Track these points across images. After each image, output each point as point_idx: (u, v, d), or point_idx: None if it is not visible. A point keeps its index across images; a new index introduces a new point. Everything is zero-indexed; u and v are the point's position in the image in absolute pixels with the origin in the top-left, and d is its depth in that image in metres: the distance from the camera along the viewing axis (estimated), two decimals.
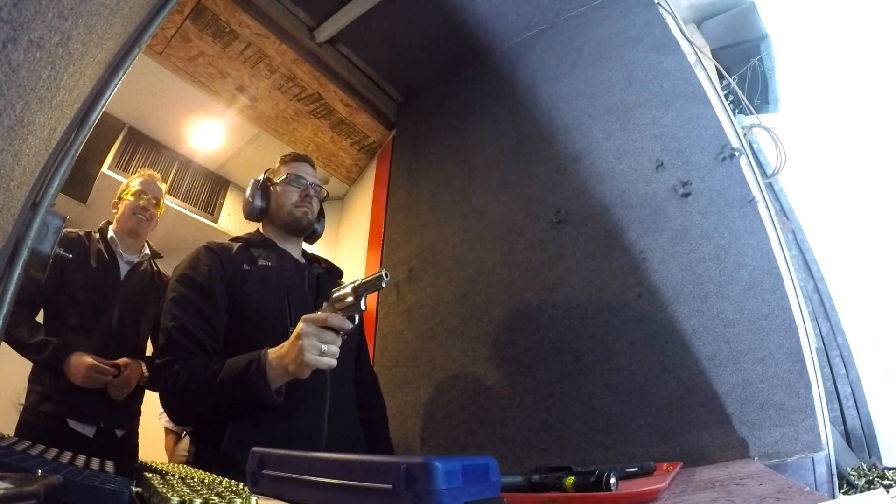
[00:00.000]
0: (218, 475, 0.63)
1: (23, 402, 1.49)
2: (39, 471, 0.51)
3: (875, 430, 2.22)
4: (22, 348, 1.44)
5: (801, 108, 3.04)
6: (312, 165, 1.34)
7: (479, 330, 1.72)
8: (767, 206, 1.35)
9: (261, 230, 1.28)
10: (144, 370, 1.57)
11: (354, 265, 2.47)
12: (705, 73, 1.56)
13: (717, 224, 1.35)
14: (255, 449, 0.59)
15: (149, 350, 1.68)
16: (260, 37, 2.07)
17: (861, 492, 1.53)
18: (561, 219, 1.64)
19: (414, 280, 2.01)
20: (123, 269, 1.64)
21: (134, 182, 1.74)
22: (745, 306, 1.24)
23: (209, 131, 2.74)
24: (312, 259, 1.33)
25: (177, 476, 0.59)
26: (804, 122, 3.11)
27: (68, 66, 0.63)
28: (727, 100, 1.65)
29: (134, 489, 0.55)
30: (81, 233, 1.63)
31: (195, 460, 1.02)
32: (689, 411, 1.23)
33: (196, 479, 0.57)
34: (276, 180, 1.26)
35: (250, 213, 1.27)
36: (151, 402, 1.55)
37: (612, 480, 0.69)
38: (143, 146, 2.72)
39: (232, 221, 3.06)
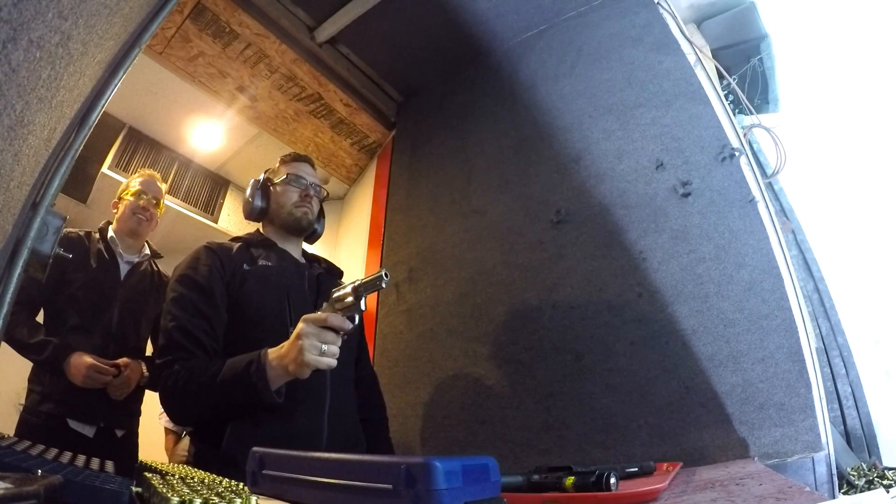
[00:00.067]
0: (218, 475, 0.63)
1: (23, 402, 1.49)
2: (39, 471, 0.51)
3: (875, 430, 2.22)
4: (22, 348, 1.45)
5: (801, 108, 3.04)
6: (312, 165, 1.34)
7: (479, 330, 1.72)
8: (767, 206, 1.35)
9: (261, 230, 1.28)
10: (144, 370, 1.57)
11: (354, 265, 2.47)
12: (705, 73, 1.56)
13: (717, 224, 1.35)
14: (255, 449, 0.59)
15: (149, 350, 1.68)
16: (260, 37, 2.07)
17: (861, 492, 1.52)
18: (561, 219, 1.64)
19: (414, 280, 2.01)
20: (123, 269, 1.64)
21: (134, 182, 1.74)
22: (745, 306, 1.24)
23: (209, 131, 2.74)
24: (312, 259, 1.33)
25: (177, 476, 0.59)
26: (804, 122, 3.11)
27: (68, 66, 0.63)
28: (727, 100, 1.65)
29: (134, 489, 0.55)
30: (81, 233, 1.63)
31: (195, 460, 1.02)
32: (689, 411, 1.23)
33: (196, 479, 0.57)
34: (276, 180, 1.26)
35: (250, 213, 1.27)
36: (151, 402, 1.55)
37: (612, 480, 0.69)
38: (143, 146, 2.72)
39: (232, 221, 3.06)
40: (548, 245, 1.64)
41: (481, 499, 0.44)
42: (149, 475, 0.58)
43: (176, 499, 0.42)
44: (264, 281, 1.12)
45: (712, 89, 1.53)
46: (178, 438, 2.44)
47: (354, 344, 1.27)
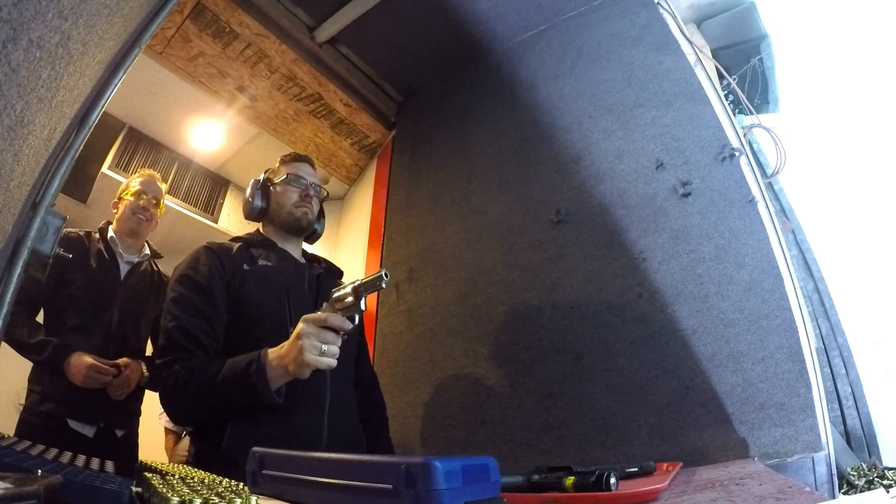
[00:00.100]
0: (218, 475, 0.63)
1: (23, 402, 1.49)
2: (39, 471, 0.51)
3: (875, 430, 2.22)
4: (22, 348, 1.45)
5: (801, 108, 3.04)
6: (312, 165, 1.34)
7: (479, 330, 1.72)
8: (767, 206, 1.35)
9: (261, 230, 1.28)
10: (144, 370, 1.57)
11: (354, 265, 2.47)
12: (705, 73, 1.56)
13: (717, 224, 1.35)
14: (255, 449, 0.59)
15: (149, 350, 1.68)
16: (260, 37, 2.07)
17: (861, 492, 1.52)
18: (561, 219, 1.64)
19: (414, 280, 2.01)
20: (123, 269, 1.64)
21: (134, 182, 1.74)
22: (745, 306, 1.24)
23: (209, 131, 2.74)
24: (312, 259, 1.33)
25: (177, 476, 0.59)
26: (804, 122, 3.11)
27: (68, 66, 0.63)
28: (727, 100, 1.65)
29: (134, 489, 0.55)
30: (81, 233, 1.63)
31: (195, 460, 1.02)
32: (689, 411, 1.23)
33: (196, 479, 0.57)
34: (276, 180, 1.26)
35: (250, 213, 1.27)
36: (151, 402, 1.55)
37: (612, 480, 0.69)
38: (143, 146, 2.72)
39: (232, 221, 3.06)
40: (548, 245, 1.64)
41: (481, 499, 0.44)
42: (149, 475, 0.58)
43: (176, 499, 0.42)
44: (264, 281, 1.12)
45: (712, 89, 1.53)
46: (178, 438, 2.44)
47: (354, 344, 1.27)
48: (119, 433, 1.55)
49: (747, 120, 2.15)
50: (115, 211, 1.72)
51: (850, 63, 3.51)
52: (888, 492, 0.91)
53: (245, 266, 1.13)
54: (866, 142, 3.18)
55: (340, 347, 0.91)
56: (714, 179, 1.39)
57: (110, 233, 1.66)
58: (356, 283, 0.91)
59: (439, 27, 2.06)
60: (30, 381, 1.51)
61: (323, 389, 1.07)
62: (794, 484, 0.72)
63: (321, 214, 1.34)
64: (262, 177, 1.30)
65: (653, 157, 1.51)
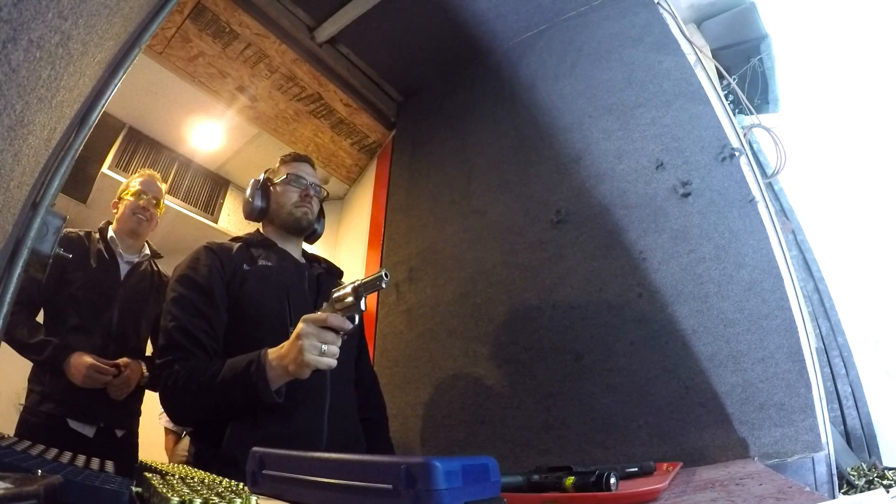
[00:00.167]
0: (218, 475, 0.63)
1: (23, 402, 1.49)
2: (39, 471, 0.51)
3: (875, 430, 2.22)
4: (22, 348, 1.44)
5: (801, 108, 3.04)
6: (312, 165, 1.34)
7: (479, 330, 1.72)
8: (767, 206, 1.35)
9: (261, 230, 1.28)
10: (144, 370, 1.57)
11: (354, 265, 2.47)
12: (705, 73, 1.56)
13: (717, 224, 1.35)
14: (255, 449, 0.59)
15: (149, 350, 1.68)
16: (260, 37, 2.07)
17: (861, 492, 1.52)
18: (561, 219, 1.64)
19: (414, 280, 2.01)
20: (123, 269, 1.64)
21: (134, 182, 1.74)
22: (745, 306, 1.24)
23: (209, 131, 2.74)
24: (312, 259, 1.33)
25: (177, 476, 0.59)
26: (804, 122, 3.11)
27: (68, 66, 0.63)
28: (727, 100, 1.65)
29: (134, 489, 0.55)
30: (81, 233, 1.63)
31: (195, 460, 1.02)
32: (689, 411, 1.23)
33: (196, 479, 0.57)
34: (276, 180, 1.26)
35: (250, 213, 1.27)
36: (151, 402, 1.55)
37: (612, 480, 0.69)
38: (143, 146, 2.72)
39: (232, 221, 3.06)
40: (548, 245, 1.64)
41: (481, 499, 0.44)
42: (149, 475, 0.58)
43: (176, 499, 0.42)
44: (264, 281, 1.12)
45: (712, 89, 1.53)
46: (178, 438, 2.44)
47: (354, 344, 1.27)
48: (119, 433, 1.55)
49: (747, 120, 2.15)
50: (115, 211, 1.72)
51: (850, 63, 3.51)
52: (888, 492, 0.91)
53: (245, 266, 1.13)
54: (866, 142, 3.18)
55: (340, 347, 0.91)
56: (714, 179, 1.39)
57: (110, 233, 1.66)
58: (356, 283, 0.91)
59: (439, 27, 2.06)
60: (30, 381, 1.51)
61: (323, 389, 1.07)
62: (794, 484, 0.72)
63: (321, 214, 1.34)
64: (262, 177, 1.30)
65: (653, 157, 1.51)
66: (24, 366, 1.51)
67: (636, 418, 1.30)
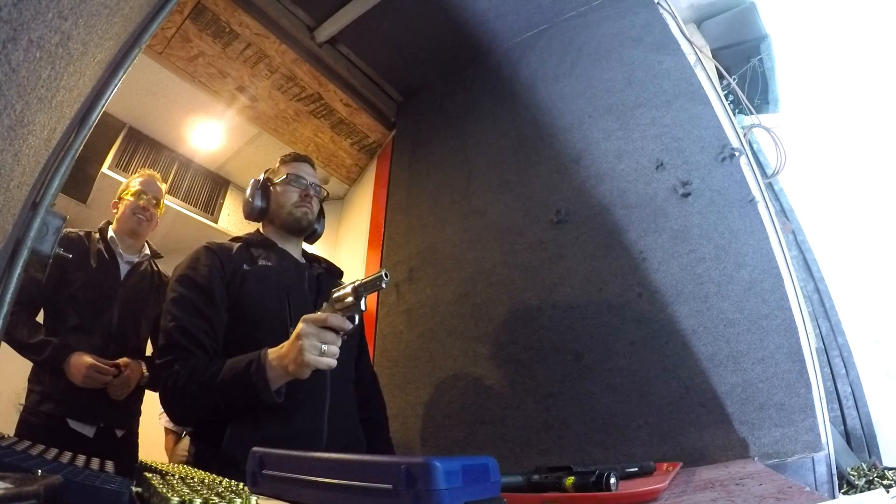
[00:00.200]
0: (218, 475, 0.63)
1: (23, 402, 1.49)
2: (39, 471, 0.51)
3: (875, 430, 2.22)
4: (22, 348, 1.44)
5: (801, 108, 3.04)
6: (312, 165, 1.34)
7: (479, 330, 1.72)
8: (767, 206, 1.35)
9: (261, 230, 1.28)
10: (144, 370, 1.57)
11: (354, 265, 2.47)
12: (705, 73, 1.56)
13: (717, 224, 1.35)
14: (255, 449, 0.59)
15: (149, 350, 1.68)
16: (260, 37, 2.07)
17: (861, 492, 1.52)
18: (561, 219, 1.64)
19: (414, 280, 2.01)
20: (123, 269, 1.64)
21: (134, 182, 1.74)
22: (745, 306, 1.24)
23: (209, 131, 2.74)
24: (312, 259, 1.33)
25: (177, 476, 0.59)
26: (804, 122, 3.11)
27: (68, 66, 0.63)
28: (727, 100, 1.65)
29: (134, 489, 0.55)
30: (81, 233, 1.63)
31: (195, 460, 1.02)
32: (689, 411, 1.23)
33: (196, 479, 0.57)
34: (276, 180, 1.26)
35: (250, 213, 1.27)
36: (151, 402, 1.55)
37: (612, 480, 0.69)
38: (143, 146, 2.72)
39: (232, 221, 3.07)
40: (548, 245, 1.64)
41: (481, 499, 0.44)
42: (149, 475, 0.58)
43: (176, 499, 0.42)
44: (264, 281, 1.12)
45: (712, 89, 1.53)
46: (178, 438, 2.44)
47: (354, 344, 1.27)
48: (119, 433, 1.55)
49: (747, 120, 2.15)
50: (115, 211, 1.72)
51: (850, 63, 3.51)
52: (888, 492, 0.91)
53: (245, 266, 1.13)
54: (866, 142, 3.18)
55: (340, 347, 0.91)
56: (714, 179, 1.39)
57: (110, 233, 1.66)
58: (356, 283, 0.91)
59: (439, 27, 2.06)
60: (30, 381, 1.51)
61: (323, 389, 1.07)
62: (794, 484, 0.72)
63: (321, 214, 1.34)
64: (262, 177, 1.30)
65: (653, 157, 1.51)
66: (24, 366, 1.51)
67: (636, 418, 1.30)
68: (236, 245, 1.19)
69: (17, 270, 0.69)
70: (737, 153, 1.38)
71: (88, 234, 1.64)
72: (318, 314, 0.90)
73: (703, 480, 0.87)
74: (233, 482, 0.58)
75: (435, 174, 2.17)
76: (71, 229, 1.62)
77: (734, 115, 1.58)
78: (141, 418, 1.67)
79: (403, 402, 1.82)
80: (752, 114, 1.93)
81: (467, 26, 2.05)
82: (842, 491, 1.48)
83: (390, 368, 1.94)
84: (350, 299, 0.91)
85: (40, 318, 1.54)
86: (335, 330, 0.90)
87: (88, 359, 1.43)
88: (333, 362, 0.89)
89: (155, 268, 1.75)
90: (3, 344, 1.13)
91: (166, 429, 2.48)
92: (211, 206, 2.99)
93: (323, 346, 0.88)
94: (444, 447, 1.66)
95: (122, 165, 2.57)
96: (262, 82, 2.28)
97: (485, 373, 1.64)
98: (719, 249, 1.32)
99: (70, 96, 0.70)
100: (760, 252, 1.27)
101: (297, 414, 1.01)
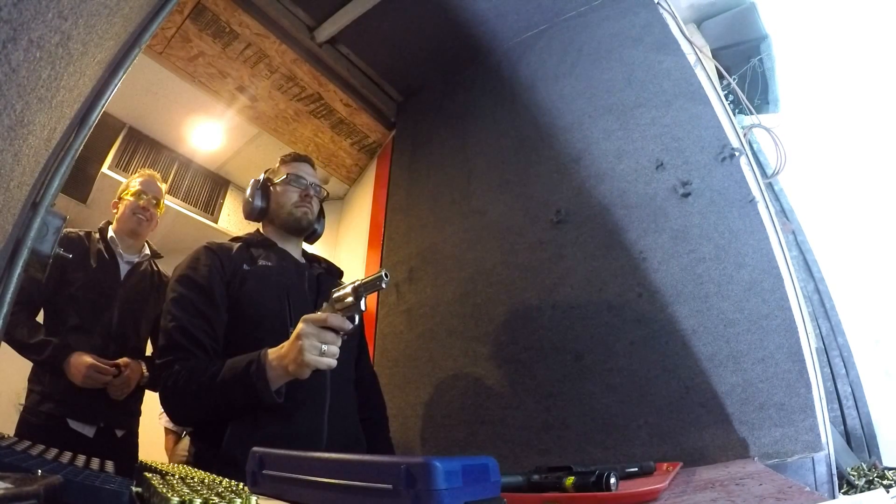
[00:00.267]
0: (218, 475, 0.63)
1: (23, 402, 1.49)
2: (39, 471, 0.51)
3: (875, 430, 2.22)
4: (22, 348, 1.44)
5: (801, 108, 3.04)
6: (312, 165, 1.34)
7: (479, 330, 1.72)
8: (767, 207, 1.35)
9: (261, 230, 1.28)
10: (144, 370, 1.57)
11: (354, 265, 2.47)
12: (705, 73, 1.56)
13: (717, 224, 1.35)
14: (255, 449, 0.59)
15: (149, 350, 1.68)
16: (260, 37, 2.07)
17: (861, 492, 1.53)
18: (561, 219, 1.64)
19: (414, 280, 2.01)
20: (123, 269, 1.64)
21: (134, 182, 1.74)
22: (745, 306, 1.24)
23: (209, 131, 2.74)
24: (312, 259, 1.33)
25: (177, 476, 0.59)
26: (804, 122, 3.12)
27: (68, 66, 0.63)
28: (727, 100, 1.65)
29: (134, 489, 0.55)
30: (81, 233, 1.63)
31: (195, 460, 1.02)
32: (689, 411, 1.23)
33: (196, 479, 0.57)
34: (276, 180, 1.26)
35: (250, 213, 1.27)
36: (151, 402, 1.55)
37: (612, 480, 0.69)
38: (143, 146, 2.72)
39: (232, 221, 3.06)
40: (548, 245, 1.64)
41: (481, 499, 0.44)
42: (149, 475, 0.58)
43: (176, 499, 0.42)
44: (264, 281, 1.12)
45: (712, 89, 1.53)
46: (178, 438, 2.44)
47: (354, 344, 1.27)
48: (119, 433, 1.55)
49: (747, 120, 2.15)
50: (115, 211, 1.72)
51: (850, 63, 3.51)
52: (888, 492, 0.91)
53: (245, 266, 1.13)
54: (866, 142, 3.18)
55: (340, 347, 0.91)
56: (714, 179, 1.39)
57: (110, 233, 1.66)
58: (356, 283, 0.91)
59: (439, 27, 2.06)
60: (30, 381, 1.51)
61: (323, 389, 1.07)
62: (794, 484, 0.72)
63: (321, 214, 1.34)
64: (262, 177, 1.30)
65: (653, 157, 1.51)
66: (24, 366, 1.51)
67: (636, 418, 1.30)
68: (236, 245, 1.19)
69: (17, 270, 0.69)
70: (737, 153, 1.38)
71: (88, 234, 1.64)
72: (318, 314, 0.90)
73: (703, 480, 0.87)
74: (233, 482, 0.58)
75: (435, 174, 2.17)
76: (71, 229, 1.62)
77: (734, 115, 1.58)
78: (141, 418, 1.67)
79: (403, 402, 1.82)
80: (752, 114, 1.93)
81: (467, 26, 2.05)
82: (842, 491, 1.48)
83: (390, 368, 1.94)
84: (350, 299, 0.91)
85: (40, 318, 1.54)
86: (335, 330, 0.90)
87: (88, 359, 1.43)
88: (333, 362, 0.89)
89: (155, 268, 1.75)
90: (3, 344, 1.13)
91: (166, 429, 2.48)
92: (211, 206, 2.99)
93: (323, 346, 0.88)
94: (444, 447, 1.66)
95: (122, 165, 2.57)
96: (262, 82, 2.28)
97: (485, 373, 1.64)
98: (719, 249, 1.32)
99: (70, 96, 0.70)
100: (760, 252, 1.27)
101: (298, 414, 1.01)
